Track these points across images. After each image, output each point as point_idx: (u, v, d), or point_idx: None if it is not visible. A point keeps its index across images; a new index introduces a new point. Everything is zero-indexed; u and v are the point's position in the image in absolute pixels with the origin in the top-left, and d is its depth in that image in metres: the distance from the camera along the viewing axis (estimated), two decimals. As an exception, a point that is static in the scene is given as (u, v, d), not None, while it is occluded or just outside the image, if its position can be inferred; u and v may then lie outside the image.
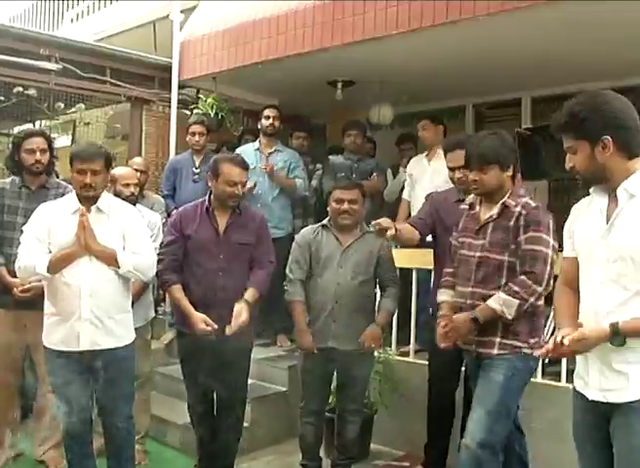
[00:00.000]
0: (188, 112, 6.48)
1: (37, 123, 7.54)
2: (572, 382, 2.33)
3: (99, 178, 3.20)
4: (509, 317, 2.81)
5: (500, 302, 2.81)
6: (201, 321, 3.40)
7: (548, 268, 2.82)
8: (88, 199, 3.23)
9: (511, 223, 2.89)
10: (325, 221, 3.79)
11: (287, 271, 3.76)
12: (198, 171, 5.59)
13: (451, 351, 3.06)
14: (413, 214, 5.16)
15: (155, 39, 7.73)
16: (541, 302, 2.98)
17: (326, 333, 3.64)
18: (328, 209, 3.77)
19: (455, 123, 6.77)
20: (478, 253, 2.97)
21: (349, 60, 5.60)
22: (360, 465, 4.10)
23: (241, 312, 3.39)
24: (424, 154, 5.33)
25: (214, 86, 6.44)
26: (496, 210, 2.95)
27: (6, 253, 3.89)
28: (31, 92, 5.92)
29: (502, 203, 2.94)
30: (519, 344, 2.91)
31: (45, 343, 3.27)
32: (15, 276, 3.75)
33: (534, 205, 2.92)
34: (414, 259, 4.39)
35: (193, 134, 5.67)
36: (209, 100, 6.32)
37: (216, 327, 3.38)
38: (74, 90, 6.26)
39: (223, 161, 3.62)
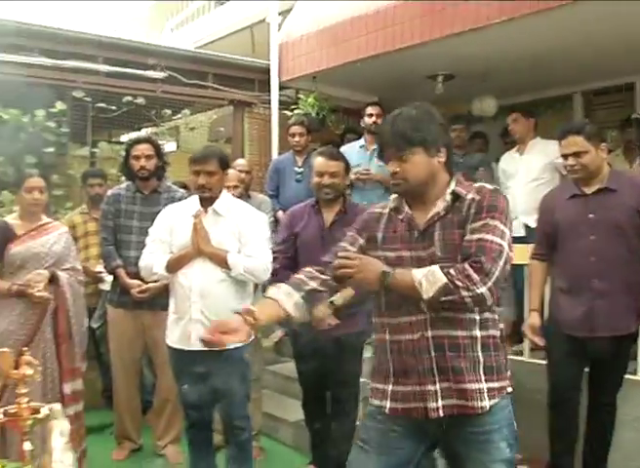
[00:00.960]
0: (289, 113, 6.54)
1: (144, 130, 7.85)
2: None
3: (213, 180, 3.26)
4: (424, 296, 1.99)
5: (426, 271, 2.01)
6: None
7: (501, 264, 1.99)
8: (205, 200, 3.31)
9: (464, 214, 2.11)
10: None
11: None
12: (301, 170, 5.63)
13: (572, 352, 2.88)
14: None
15: (253, 42, 7.89)
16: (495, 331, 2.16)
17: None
18: None
19: (561, 113, 6.52)
20: None
21: (449, 53, 5.51)
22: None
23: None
24: (515, 148, 5.18)
25: (313, 86, 6.49)
26: (442, 204, 2.13)
27: (124, 256, 4.07)
28: (139, 100, 6.15)
29: (452, 192, 2.14)
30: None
31: (166, 340, 3.38)
32: (133, 277, 3.93)
33: (491, 187, 2.16)
34: (524, 255, 4.24)
35: (293, 135, 5.72)
36: (309, 100, 6.38)
37: None
38: (179, 96, 6.48)
39: (315, 155, 3.67)
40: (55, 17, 6.01)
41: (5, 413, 1.88)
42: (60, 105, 5.69)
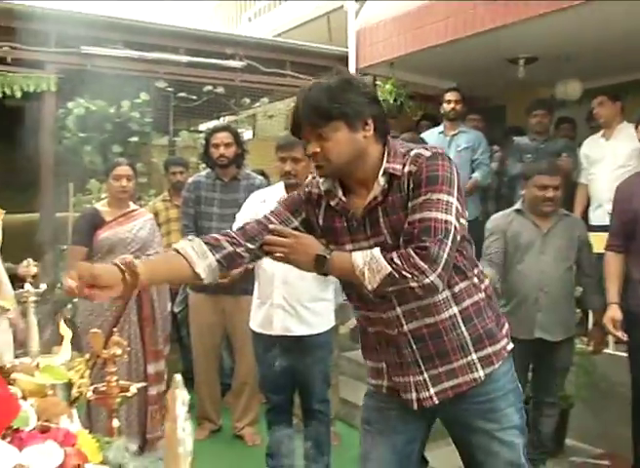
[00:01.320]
0: (367, 100, 6.51)
1: (223, 119, 8.00)
2: None
3: (299, 166, 3.26)
4: (368, 287, 1.78)
5: (368, 258, 1.79)
6: None
7: (449, 244, 1.76)
8: (291, 187, 3.31)
9: (405, 192, 1.85)
10: (518, 206, 3.63)
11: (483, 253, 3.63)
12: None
13: None
14: (592, 198, 4.86)
15: (330, 30, 7.88)
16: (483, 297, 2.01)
17: (531, 324, 3.47)
18: (522, 192, 3.61)
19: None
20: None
21: (532, 36, 5.34)
22: (555, 461, 3.92)
23: None
24: (601, 133, 4.98)
25: (391, 72, 6.44)
26: (377, 187, 1.88)
27: None
28: (219, 89, 6.27)
29: (385, 172, 1.87)
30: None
31: (250, 324, 3.46)
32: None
33: (429, 153, 1.84)
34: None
35: (371, 121, 5.70)
36: (387, 87, 6.36)
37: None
38: (258, 85, 6.57)
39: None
40: (137, 10, 6.19)
41: (95, 391, 1.97)
42: (143, 96, 5.86)
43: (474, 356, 1.96)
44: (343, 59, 6.64)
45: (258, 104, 6.84)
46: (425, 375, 1.97)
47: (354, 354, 5.16)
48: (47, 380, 1.60)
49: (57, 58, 5.59)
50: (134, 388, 2.03)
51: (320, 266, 1.86)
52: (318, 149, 1.87)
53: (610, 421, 3.97)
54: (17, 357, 2.25)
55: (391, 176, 1.87)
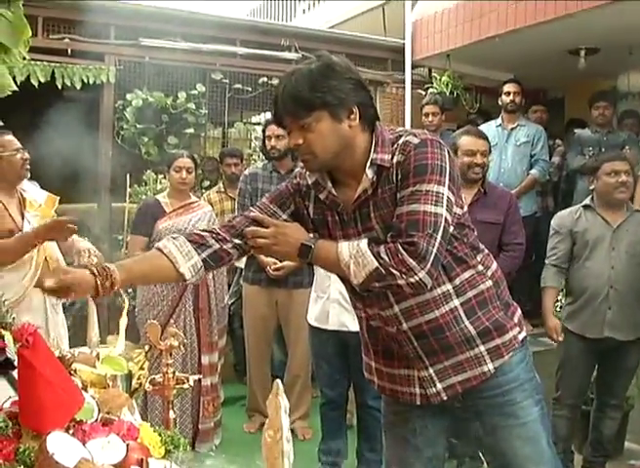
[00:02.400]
0: (423, 92, 6.44)
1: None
2: None
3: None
4: (353, 281, 1.71)
5: (354, 251, 1.70)
6: None
7: (438, 239, 1.67)
8: None
9: (394, 184, 1.77)
10: (587, 201, 3.53)
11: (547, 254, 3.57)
12: (433, 150, 5.53)
13: None
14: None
15: (385, 21, 7.79)
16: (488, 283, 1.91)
17: (599, 322, 3.37)
18: (592, 187, 3.50)
19: None
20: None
21: (593, 26, 5.17)
22: (614, 463, 3.81)
23: None
24: None
25: (447, 64, 6.33)
26: (367, 180, 1.78)
27: None
28: (275, 81, 6.26)
29: (372, 163, 1.77)
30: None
31: (307, 317, 3.48)
32: (269, 255, 4.04)
33: (416, 141, 1.74)
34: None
35: (427, 114, 5.64)
36: (443, 79, 6.25)
37: None
38: (313, 77, 6.52)
39: (460, 134, 3.58)
40: (194, 2, 6.23)
41: (152, 382, 1.99)
42: (199, 88, 5.90)
43: (482, 348, 1.85)
44: (399, 51, 6.57)
45: (312, 96, 6.80)
46: (431, 370, 1.88)
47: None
48: (109, 371, 1.61)
49: (115, 49, 5.66)
50: (191, 380, 2.05)
51: (304, 256, 1.77)
52: (301, 141, 1.76)
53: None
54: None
55: (379, 168, 1.77)
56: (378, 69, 6.76)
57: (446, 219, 1.69)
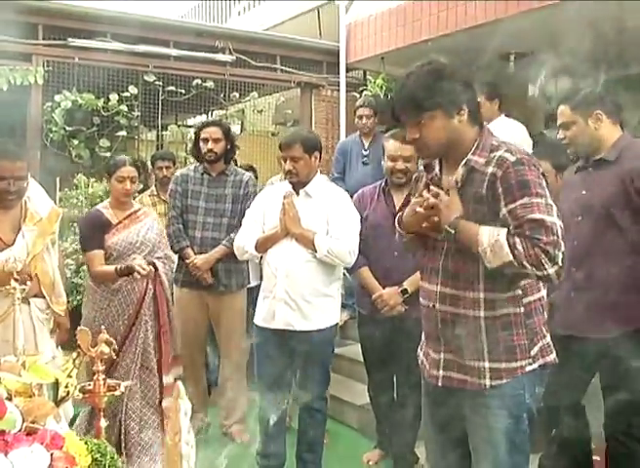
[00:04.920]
0: (357, 95, 6.49)
1: (211, 113, 7.94)
2: None
3: (299, 165, 3.26)
4: (487, 264, 1.93)
5: (493, 240, 1.91)
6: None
7: (562, 244, 1.87)
8: (296, 184, 3.33)
9: (483, 191, 1.99)
10: None
11: None
12: (367, 153, 5.58)
13: None
14: None
15: (320, 24, 7.83)
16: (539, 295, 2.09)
17: None
18: None
19: None
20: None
21: (523, 31, 5.31)
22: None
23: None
24: None
25: (382, 67, 6.41)
26: (458, 173, 2.05)
27: (190, 236, 4.12)
28: (209, 83, 6.22)
29: (465, 163, 2.03)
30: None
31: (255, 318, 3.44)
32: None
33: (513, 159, 1.95)
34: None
35: (361, 117, 5.66)
36: (378, 81, 6.33)
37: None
38: (248, 79, 6.53)
39: (387, 137, 3.54)
40: (126, 2, 6.12)
41: (82, 390, 1.93)
42: (132, 89, 5.80)
43: (487, 365, 2.01)
44: (334, 54, 6.62)
45: (247, 99, 6.78)
46: (442, 356, 2.11)
47: (343, 350, 5.14)
48: (34, 380, 1.56)
49: (44, 50, 5.51)
50: (122, 387, 2.00)
51: (448, 232, 1.99)
52: (417, 135, 2.03)
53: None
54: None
55: (471, 169, 2.01)
56: (313, 72, 6.80)
57: (560, 226, 1.89)
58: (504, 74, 6.03)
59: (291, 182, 3.33)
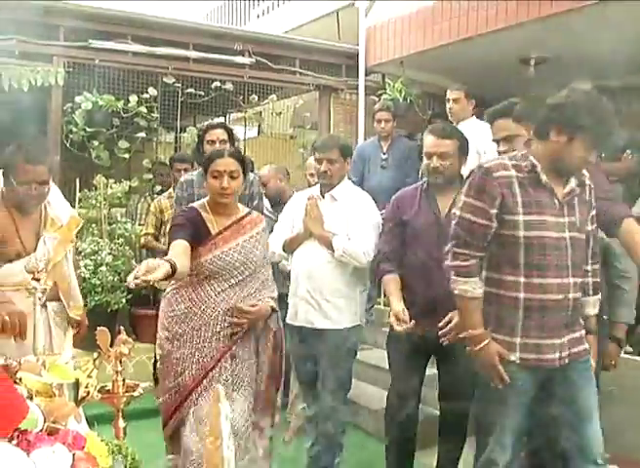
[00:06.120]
0: (376, 98, 6.48)
1: (229, 116, 7.96)
2: None
3: (334, 167, 3.36)
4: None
5: None
6: (395, 313, 2.97)
7: None
8: (325, 186, 3.44)
9: (587, 197, 2.50)
10: None
11: None
12: (386, 157, 5.56)
13: None
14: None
15: (339, 27, 7.83)
16: None
17: None
18: None
19: None
20: (569, 234, 2.41)
21: (543, 35, 5.28)
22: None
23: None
24: None
25: (401, 70, 6.39)
26: (574, 182, 2.44)
27: None
28: (228, 86, 6.23)
29: (582, 174, 2.48)
30: None
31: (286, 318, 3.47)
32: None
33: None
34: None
35: (379, 121, 5.65)
36: (396, 85, 6.31)
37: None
38: (266, 81, 6.53)
39: (425, 132, 3.23)
40: (147, 5, 6.16)
41: (101, 391, 1.93)
42: (151, 91, 5.82)
43: (582, 332, 2.56)
44: (353, 57, 6.61)
45: (266, 101, 6.78)
46: (565, 339, 2.47)
47: (360, 355, 5.10)
48: (54, 380, 1.56)
49: (65, 51, 5.55)
50: (140, 388, 2.00)
51: None
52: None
53: (624, 426, 3.86)
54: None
55: (580, 179, 2.45)
56: (331, 75, 6.80)
57: None
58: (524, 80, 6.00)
59: (322, 184, 3.43)
